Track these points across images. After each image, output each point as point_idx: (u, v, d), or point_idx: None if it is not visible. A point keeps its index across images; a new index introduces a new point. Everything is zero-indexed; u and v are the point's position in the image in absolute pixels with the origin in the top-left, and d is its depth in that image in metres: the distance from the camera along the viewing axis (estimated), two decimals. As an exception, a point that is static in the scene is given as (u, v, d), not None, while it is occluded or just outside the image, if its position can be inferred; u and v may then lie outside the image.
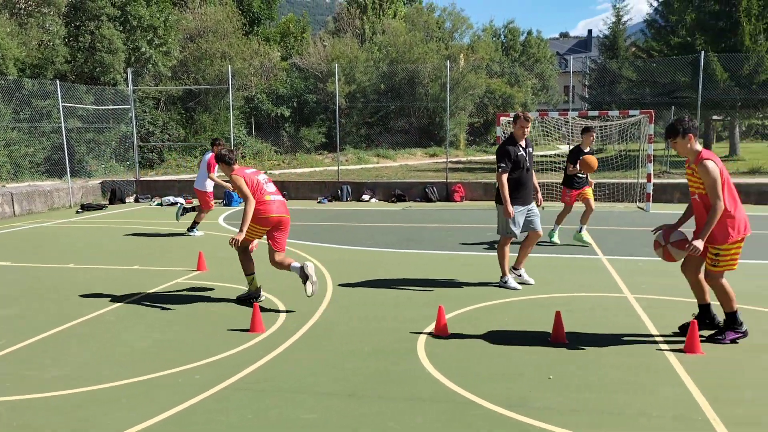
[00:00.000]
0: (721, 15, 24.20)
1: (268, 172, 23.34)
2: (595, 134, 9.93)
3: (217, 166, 10.87)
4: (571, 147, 10.28)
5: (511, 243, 7.21)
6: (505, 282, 7.13)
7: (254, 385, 4.44)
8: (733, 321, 5.18)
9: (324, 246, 10.07)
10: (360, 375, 4.56)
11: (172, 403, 4.10)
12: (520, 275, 7.32)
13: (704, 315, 5.40)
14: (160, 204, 16.91)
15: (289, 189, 17.98)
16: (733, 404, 4.01)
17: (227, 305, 6.51)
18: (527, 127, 7.04)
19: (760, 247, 9.59)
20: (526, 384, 4.36)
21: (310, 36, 41.11)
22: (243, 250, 6.45)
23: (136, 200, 18.04)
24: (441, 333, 5.40)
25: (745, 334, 5.19)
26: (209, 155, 10.99)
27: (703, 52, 18.44)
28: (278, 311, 6.24)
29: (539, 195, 7.38)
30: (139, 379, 4.53)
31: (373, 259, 8.97)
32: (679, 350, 4.98)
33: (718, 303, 5.23)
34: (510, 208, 6.88)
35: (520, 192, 7.02)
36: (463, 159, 32.07)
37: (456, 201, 16.97)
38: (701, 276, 5.28)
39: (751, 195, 15.58)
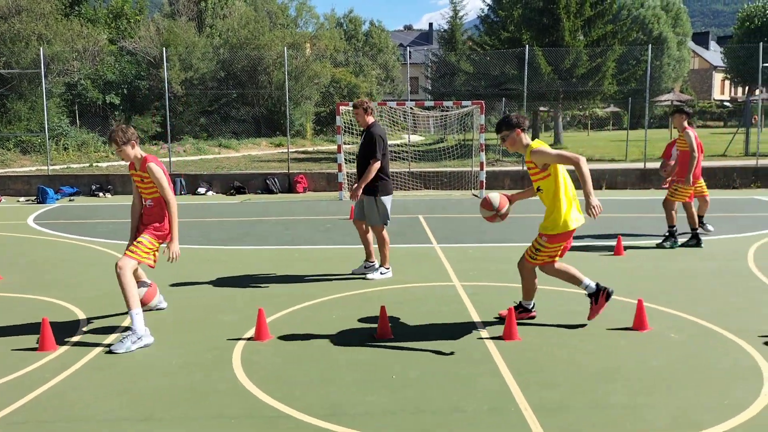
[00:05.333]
0: (544, 12, 25.89)
1: (94, 165, 21.49)
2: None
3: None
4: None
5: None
6: (388, 269, 7.04)
7: (35, 415, 3.80)
8: None
9: (147, 245, 9.26)
10: (162, 394, 4.07)
11: None
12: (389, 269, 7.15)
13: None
14: (-40, 203, 14.84)
15: (114, 183, 16.60)
16: (544, 389, 4.05)
17: (16, 319, 5.65)
18: (355, 114, 6.98)
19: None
20: (345, 388, 4.13)
21: (146, 18, 38.43)
22: None
23: (-70, 200, 15.70)
24: (261, 338, 5.03)
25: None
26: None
27: (528, 46, 19.55)
28: (77, 323, 5.53)
29: (355, 187, 6.95)
30: None
31: (201, 258, 8.37)
32: (498, 337, 5.03)
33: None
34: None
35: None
36: (310, 149, 31.76)
37: (299, 192, 16.61)
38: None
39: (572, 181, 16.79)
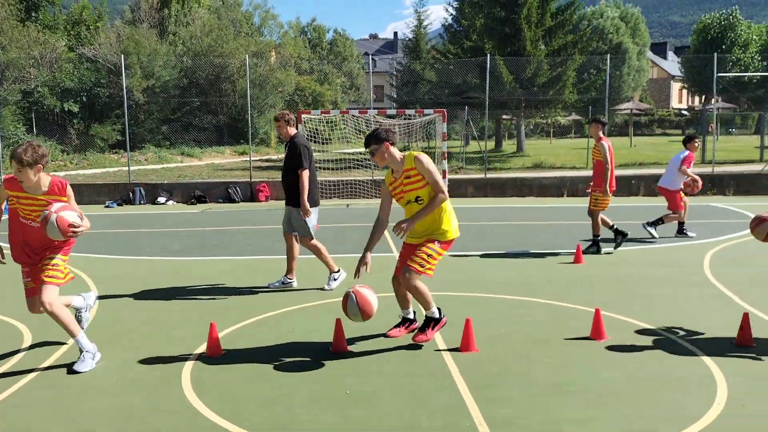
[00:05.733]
0: (506, 21, 26.16)
1: (51, 174, 20.89)
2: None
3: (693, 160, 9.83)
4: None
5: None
6: (338, 271, 7.01)
7: (-33, 441, 3.60)
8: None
9: (99, 257, 9.00)
10: (103, 415, 3.91)
11: None
12: (292, 281, 7.11)
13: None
14: None
15: (71, 193, 16.13)
16: (498, 403, 4.01)
17: (-44, 339, 5.40)
18: (277, 126, 6.95)
19: (537, 237, 10.29)
20: (297, 406, 4.02)
21: (106, 25, 37.70)
22: None
23: None
24: (213, 353, 4.89)
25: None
26: (686, 153, 9.83)
27: (489, 55, 19.71)
28: (22, 341, 5.30)
29: (301, 203, 6.81)
30: None
31: (154, 270, 8.16)
32: (455, 349, 4.97)
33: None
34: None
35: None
36: (274, 157, 31.48)
37: (261, 201, 16.41)
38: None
39: (534, 188, 16.94)
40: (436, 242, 4.88)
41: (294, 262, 7.08)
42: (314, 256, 7.03)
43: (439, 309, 5.11)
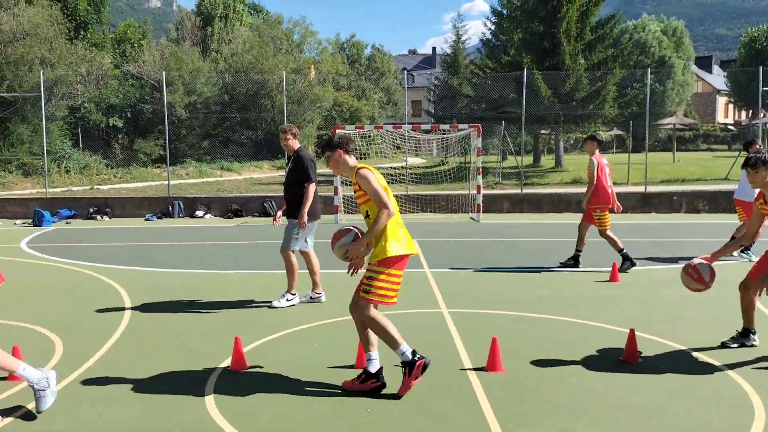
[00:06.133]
0: (545, 36, 25.97)
1: (95, 187, 21.51)
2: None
3: None
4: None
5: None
6: (294, 295, 7.01)
7: (-6, 450, 3.67)
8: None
9: (134, 269, 9.17)
10: (129, 427, 3.93)
11: None
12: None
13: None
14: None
15: (113, 206, 16.56)
16: (522, 427, 3.89)
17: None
18: (282, 139, 6.98)
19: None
20: (316, 424, 3.98)
21: (150, 43, 38.83)
22: None
23: (-72, 222, 15.69)
24: (238, 368, 4.90)
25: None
26: None
27: (526, 69, 19.54)
28: (53, 352, 5.40)
29: (300, 215, 6.81)
30: None
31: (187, 283, 8.26)
32: (482, 368, 4.87)
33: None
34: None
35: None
36: (311, 172, 31.75)
37: (296, 215, 16.53)
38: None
39: (572, 204, 16.65)
40: (373, 263, 4.43)
41: (316, 277, 7.09)
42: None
43: (414, 351, 4.39)
